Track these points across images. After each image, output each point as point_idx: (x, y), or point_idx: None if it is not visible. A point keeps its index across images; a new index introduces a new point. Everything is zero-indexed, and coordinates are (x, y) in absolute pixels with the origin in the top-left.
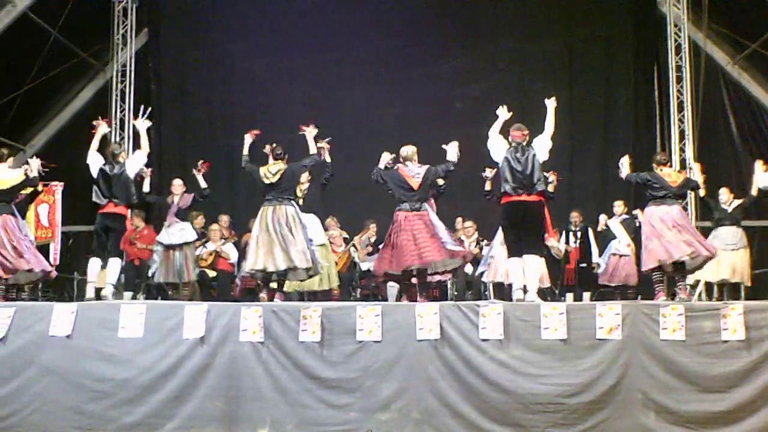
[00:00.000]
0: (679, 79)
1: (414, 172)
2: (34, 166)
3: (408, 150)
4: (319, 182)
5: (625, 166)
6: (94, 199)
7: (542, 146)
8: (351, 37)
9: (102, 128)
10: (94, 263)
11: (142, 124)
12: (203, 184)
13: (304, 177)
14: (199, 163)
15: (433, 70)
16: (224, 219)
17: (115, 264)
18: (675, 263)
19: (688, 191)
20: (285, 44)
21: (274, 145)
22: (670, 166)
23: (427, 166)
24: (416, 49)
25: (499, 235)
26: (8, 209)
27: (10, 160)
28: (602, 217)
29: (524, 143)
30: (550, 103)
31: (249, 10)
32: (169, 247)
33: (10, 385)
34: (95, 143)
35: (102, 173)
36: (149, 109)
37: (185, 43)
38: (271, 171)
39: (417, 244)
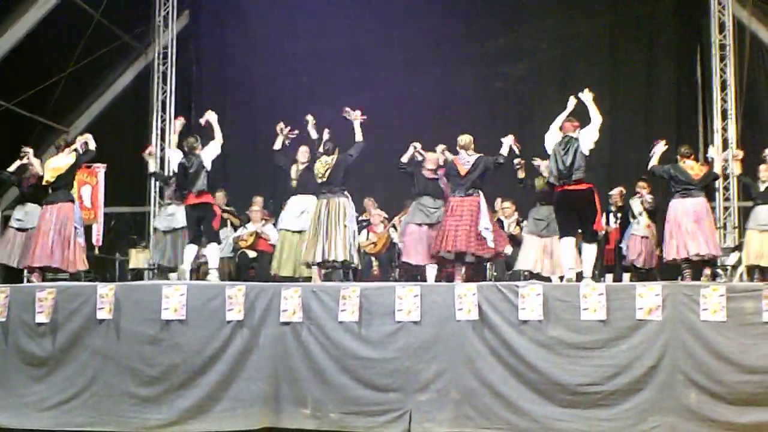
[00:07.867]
0: (723, 58)
1: (464, 160)
2: (89, 138)
3: (464, 139)
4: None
5: (656, 155)
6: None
7: (588, 137)
8: (392, 18)
9: (179, 124)
10: (190, 250)
11: (213, 116)
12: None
13: (304, 157)
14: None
15: (474, 50)
16: (258, 200)
17: (214, 249)
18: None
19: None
20: (325, 25)
21: (325, 141)
22: (695, 159)
23: (478, 156)
24: (457, 28)
25: (528, 223)
26: (68, 196)
27: (67, 149)
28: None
29: (574, 135)
30: (587, 97)
31: None
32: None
33: (67, 370)
34: (175, 139)
35: (181, 167)
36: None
37: (226, 25)
38: (321, 169)
39: (456, 230)
